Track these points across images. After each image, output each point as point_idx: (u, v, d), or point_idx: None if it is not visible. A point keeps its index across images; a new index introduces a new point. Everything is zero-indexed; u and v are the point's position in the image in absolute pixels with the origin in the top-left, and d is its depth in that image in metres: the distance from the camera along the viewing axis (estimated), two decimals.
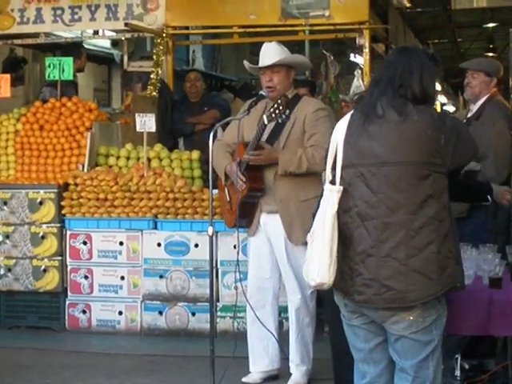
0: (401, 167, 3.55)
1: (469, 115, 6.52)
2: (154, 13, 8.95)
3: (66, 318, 7.23)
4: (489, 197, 4.55)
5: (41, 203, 7.25)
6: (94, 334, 7.13)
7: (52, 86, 8.55)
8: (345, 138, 3.67)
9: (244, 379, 5.73)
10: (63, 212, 7.21)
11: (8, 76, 8.10)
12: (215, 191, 5.95)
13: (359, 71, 8.84)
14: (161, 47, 8.84)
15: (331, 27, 8.74)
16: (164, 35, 8.89)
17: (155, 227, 7.06)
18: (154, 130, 7.21)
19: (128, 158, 7.53)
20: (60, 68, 7.76)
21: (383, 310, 3.60)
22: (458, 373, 4.15)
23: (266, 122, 5.34)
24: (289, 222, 5.53)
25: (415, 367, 3.67)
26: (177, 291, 7.02)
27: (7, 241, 7.32)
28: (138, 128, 7.17)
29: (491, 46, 17.55)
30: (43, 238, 7.24)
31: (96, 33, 10.24)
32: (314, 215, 3.75)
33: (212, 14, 8.92)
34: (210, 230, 5.23)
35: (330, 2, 8.51)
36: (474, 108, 6.45)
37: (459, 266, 3.65)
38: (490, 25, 15.57)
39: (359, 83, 8.23)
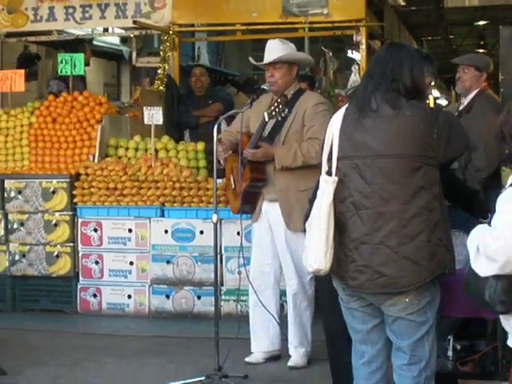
0: (395, 160, 3.60)
1: (460, 108, 6.65)
2: (161, 11, 9.01)
3: (78, 301, 7.34)
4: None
5: (53, 192, 7.34)
6: (104, 317, 7.23)
7: (59, 79, 8.68)
8: (340, 130, 3.72)
9: (247, 359, 5.83)
10: (75, 201, 7.30)
11: (22, 71, 8.16)
12: (219, 180, 6.06)
13: (356, 67, 8.98)
14: (167, 44, 8.92)
15: (329, 25, 8.81)
16: (171, 32, 8.96)
17: (162, 215, 7.15)
18: (161, 122, 7.26)
19: (136, 149, 7.60)
20: (72, 63, 7.81)
21: (380, 295, 3.68)
22: (450, 353, 4.17)
23: (266, 119, 5.48)
24: (288, 211, 5.62)
25: (411, 346, 3.74)
26: (183, 276, 7.11)
27: (22, 228, 7.42)
28: (146, 121, 7.23)
29: (482, 43, 17.59)
30: (56, 225, 7.34)
31: (106, 30, 10.36)
32: (309, 201, 3.90)
33: (216, 12, 9.01)
34: (215, 217, 5.40)
35: (328, 0, 8.60)
36: (465, 101, 6.58)
37: (449, 253, 3.70)
38: (481, 22, 15.60)
39: (356, 78, 8.31)
